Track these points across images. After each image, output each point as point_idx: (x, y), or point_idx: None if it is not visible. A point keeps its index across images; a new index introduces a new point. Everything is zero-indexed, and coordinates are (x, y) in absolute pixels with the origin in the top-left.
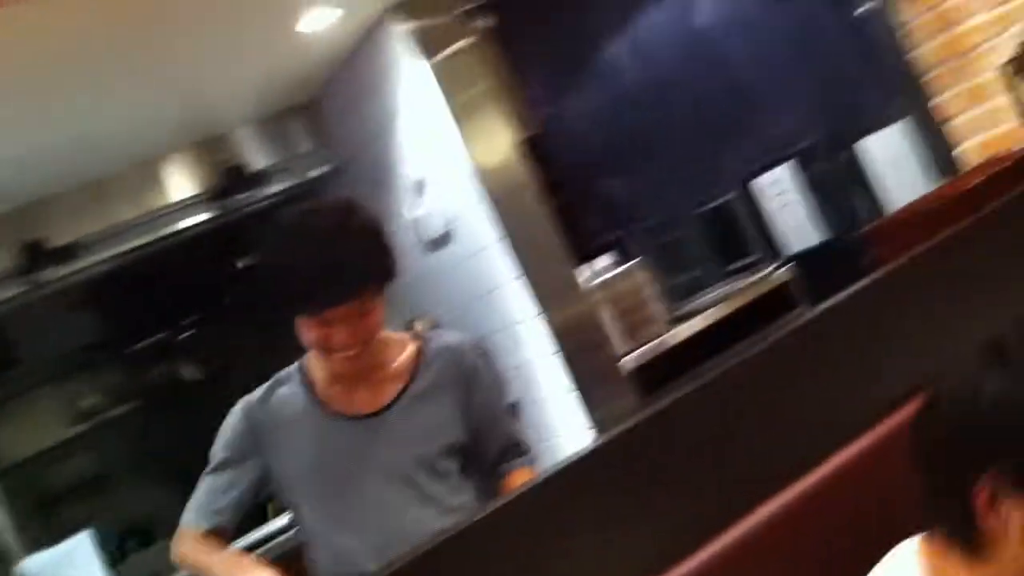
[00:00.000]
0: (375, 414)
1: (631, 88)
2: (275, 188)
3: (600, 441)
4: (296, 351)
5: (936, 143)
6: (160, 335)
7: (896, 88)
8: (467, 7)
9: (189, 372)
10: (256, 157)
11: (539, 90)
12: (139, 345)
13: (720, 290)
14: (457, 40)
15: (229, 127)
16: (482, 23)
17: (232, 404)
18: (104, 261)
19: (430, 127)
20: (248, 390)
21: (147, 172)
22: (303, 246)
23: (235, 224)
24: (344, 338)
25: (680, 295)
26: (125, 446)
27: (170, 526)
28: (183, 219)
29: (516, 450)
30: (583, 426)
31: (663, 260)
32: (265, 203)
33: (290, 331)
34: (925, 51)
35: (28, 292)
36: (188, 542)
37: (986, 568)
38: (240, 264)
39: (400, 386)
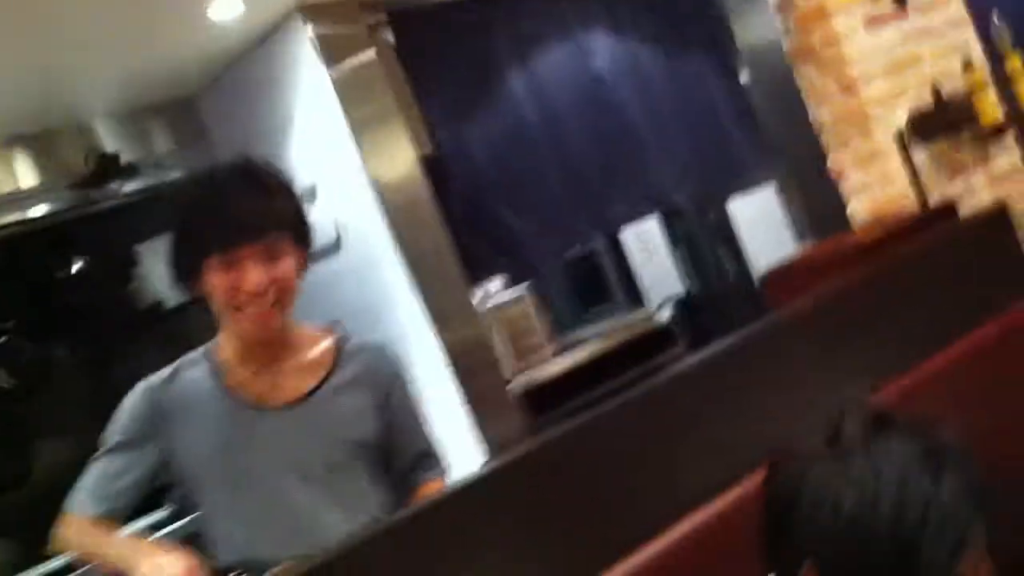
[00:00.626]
0: (287, 406)
1: (528, 120)
2: (140, 184)
3: (492, 465)
4: (116, 371)
5: (808, 205)
6: None
7: (768, 152)
8: (373, 21)
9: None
10: (122, 150)
11: (437, 112)
12: None
13: (597, 324)
14: (360, 51)
15: (93, 115)
16: (386, 38)
17: (42, 418)
18: None
19: (326, 134)
20: (62, 405)
21: (4, 151)
22: (212, 189)
23: (87, 220)
24: (255, 278)
25: (559, 328)
26: None
27: None
28: (37, 206)
29: (429, 461)
30: (472, 444)
31: (541, 293)
32: (125, 199)
33: (110, 349)
34: (821, 113)
35: None
36: (74, 527)
37: None
38: (73, 269)
39: (314, 380)
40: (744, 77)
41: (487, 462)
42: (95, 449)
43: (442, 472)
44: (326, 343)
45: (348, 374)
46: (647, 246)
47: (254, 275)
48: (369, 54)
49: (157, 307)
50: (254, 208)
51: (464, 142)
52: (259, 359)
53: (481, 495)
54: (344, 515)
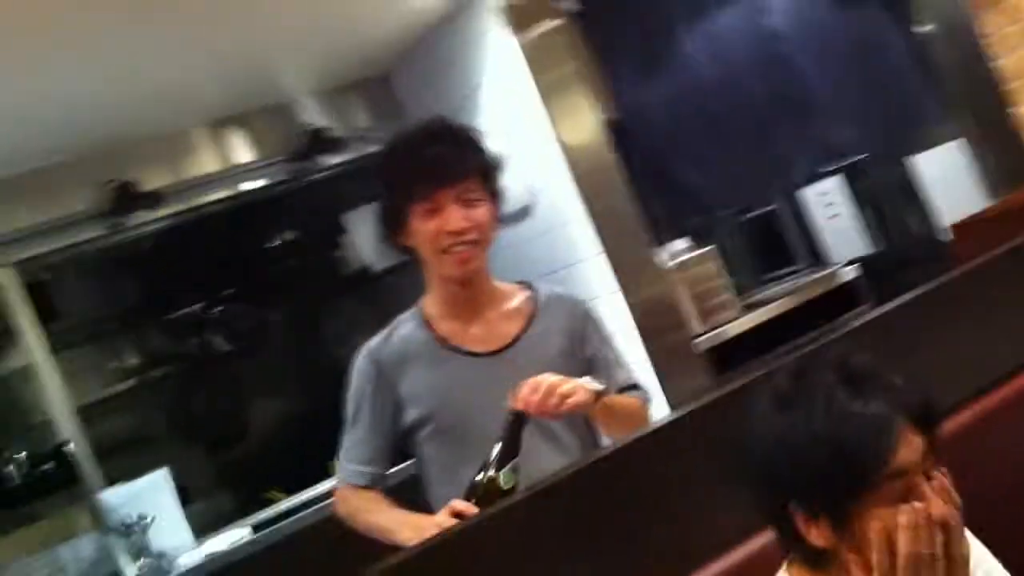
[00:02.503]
0: (495, 352)
1: (705, 81)
2: (348, 156)
3: (676, 414)
4: (326, 334)
5: (996, 160)
6: (197, 306)
7: (952, 105)
8: None
9: (220, 344)
10: (327, 125)
11: (619, 76)
12: (177, 313)
13: (781, 286)
14: (545, 19)
15: (303, 93)
16: (569, 6)
17: (257, 378)
18: (187, 211)
19: (514, 102)
20: (273, 366)
21: (217, 131)
22: (410, 144)
23: (301, 191)
24: (457, 221)
25: (744, 287)
26: (160, 409)
27: (202, 488)
28: (258, 178)
29: (632, 389)
30: (659, 401)
31: (727, 252)
32: (331, 171)
33: (320, 313)
34: (1006, 62)
35: (111, 235)
36: (351, 501)
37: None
38: (285, 239)
39: (516, 328)
40: (924, 28)
41: (671, 413)
42: (307, 407)
43: (646, 397)
44: (523, 295)
45: (546, 321)
46: (830, 205)
47: (455, 217)
48: (553, 22)
49: (363, 272)
50: (449, 155)
51: (645, 105)
52: (464, 309)
53: (666, 440)
54: (558, 451)
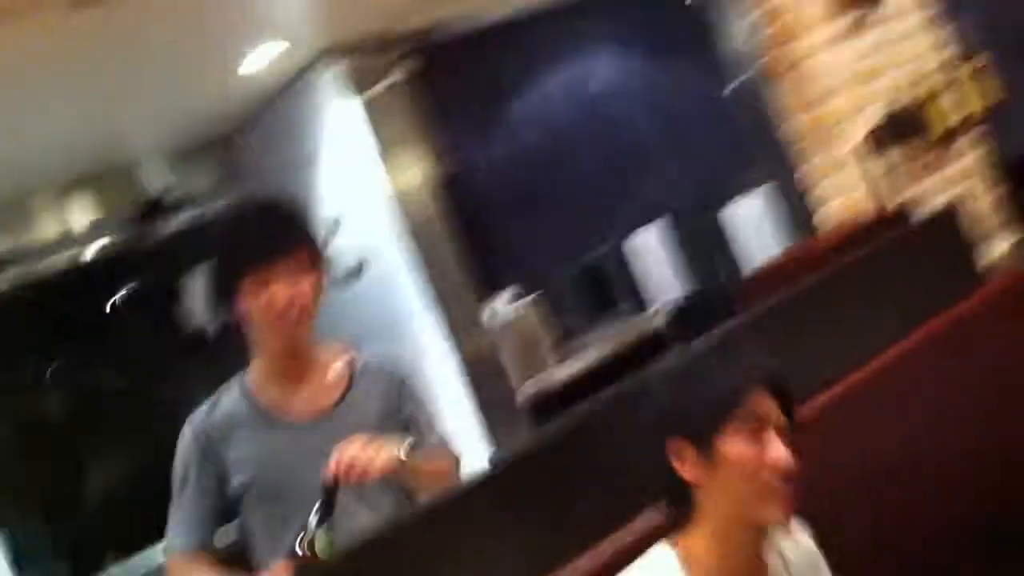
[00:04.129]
0: (312, 421)
1: (533, 140)
2: (185, 219)
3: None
4: (163, 395)
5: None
6: (33, 366)
7: (759, 157)
8: (394, 53)
9: (56, 407)
10: (168, 187)
11: (452, 135)
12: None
13: (603, 331)
14: (382, 82)
15: (141, 158)
16: (407, 69)
17: (91, 444)
18: (11, 281)
19: (351, 163)
20: (110, 428)
21: (59, 194)
22: (239, 221)
23: (136, 254)
24: (284, 295)
25: (565, 336)
26: None
27: (40, 556)
28: (97, 241)
29: (443, 449)
30: (483, 449)
31: (550, 302)
32: (175, 231)
33: (157, 374)
34: (793, 124)
35: None
36: (181, 568)
37: (705, 521)
38: (117, 303)
39: (335, 394)
40: (729, 87)
41: (491, 460)
42: (143, 471)
43: (456, 456)
44: (343, 361)
45: (364, 386)
46: (649, 253)
47: (283, 292)
48: (392, 81)
49: (199, 335)
50: (274, 233)
51: (476, 163)
52: (287, 377)
53: (487, 492)
54: (371, 514)
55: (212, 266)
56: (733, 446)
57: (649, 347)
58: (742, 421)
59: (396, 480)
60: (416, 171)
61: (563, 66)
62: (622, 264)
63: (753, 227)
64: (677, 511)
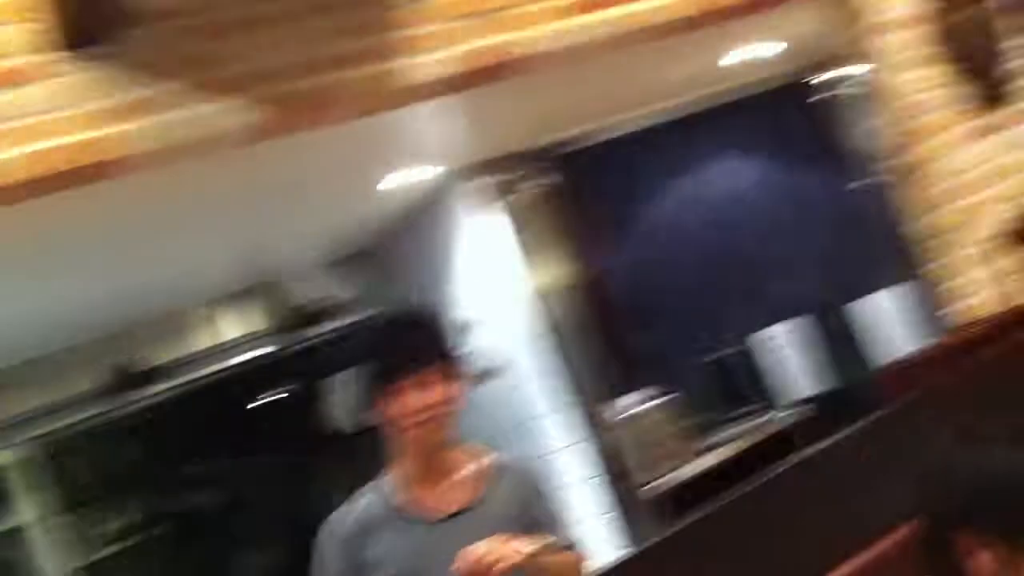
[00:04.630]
0: (450, 518)
1: (666, 243)
2: (332, 326)
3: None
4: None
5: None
6: (189, 466)
7: (889, 256)
8: (533, 163)
9: (210, 502)
10: (318, 297)
11: (588, 240)
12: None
13: (733, 429)
14: (521, 189)
15: (293, 271)
16: (544, 176)
17: (245, 535)
18: (180, 385)
19: (489, 268)
20: (263, 521)
21: (218, 308)
22: (384, 331)
23: (277, 362)
24: (421, 403)
25: (696, 433)
26: (160, 564)
27: None
28: (247, 351)
29: (569, 548)
30: (616, 548)
31: (681, 401)
32: (321, 339)
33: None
34: (921, 223)
35: (107, 414)
36: None
37: None
38: (266, 404)
39: (471, 495)
40: (857, 184)
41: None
42: (293, 557)
43: (581, 555)
44: (479, 462)
45: (499, 487)
46: (781, 349)
47: (420, 398)
48: (527, 194)
49: (342, 433)
50: (413, 345)
51: (610, 265)
52: (426, 477)
53: None
54: None
55: (356, 375)
56: None
57: (778, 446)
58: None
59: None
60: (553, 275)
61: (693, 171)
62: (754, 362)
63: (885, 324)
64: None
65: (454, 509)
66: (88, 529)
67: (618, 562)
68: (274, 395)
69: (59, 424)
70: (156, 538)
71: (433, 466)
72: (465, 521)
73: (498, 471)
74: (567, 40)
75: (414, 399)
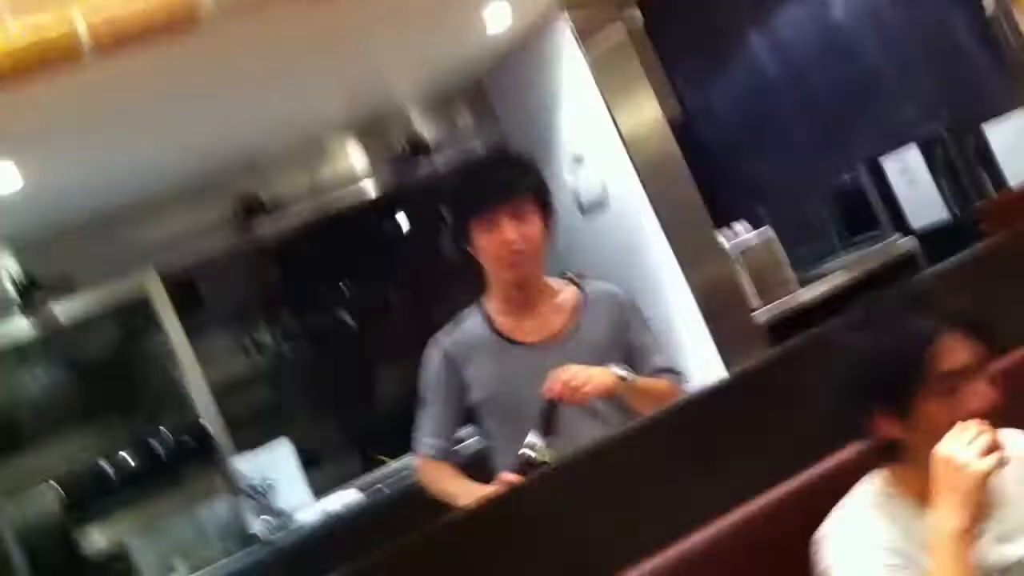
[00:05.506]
0: (546, 342)
1: (769, 76)
2: (444, 158)
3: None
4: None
5: None
6: (332, 286)
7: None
8: (621, 2)
9: (347, 320)
10: (427, 131)
11: (684, 77)
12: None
13: (846, 258)
14: (610, 31)
15: (404, 104)
16: (634, 16)
17: (381, 350)
18: (302, 215)
19: (587, 107)
20: (393, 340)
21: (335, 143)
22: (470, 171)
23: (406, 189)
24: (509, 234)
25: (810, 261)
26: (294, 380)
27: (332, 450)
28: (366, 182)
29: (667, 375)
30: (721, 374)
31: (795, 229)
32: (434, 171)
33: (430, 292)
34: None
35: (235, 243)
36: (427, 471)
37: (911, 462)
38: (399, 228)
39: (564, 321)
40: (989, 5)
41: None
42: (415, 379)
43: (679, 379)
44: (571, 291)
45: (591, 314)
46: (909, 174)
47: (508, 231)
48: (618, 33)
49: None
50: (502, 179)
51: (710, 102)
52: (519, 306)
53: (703, 410)
54: (602, 428)
55: (449, 209)
56: (932, 410)
57: (894, 273)
58: (939, 382)
59: (616, 400)
60: (647, 113)
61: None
62: (877, 186)
63: (1014, 149)
64: (881, 454)
65: (549, 336)
66: (228, 347)
67: (720, 384)
68: (401, 221)
69: (197, 251)
70: (292, 355)
71: (526, 295)
72: (559, 347)
73: (591, 299)
74: None
75: (504, 230)
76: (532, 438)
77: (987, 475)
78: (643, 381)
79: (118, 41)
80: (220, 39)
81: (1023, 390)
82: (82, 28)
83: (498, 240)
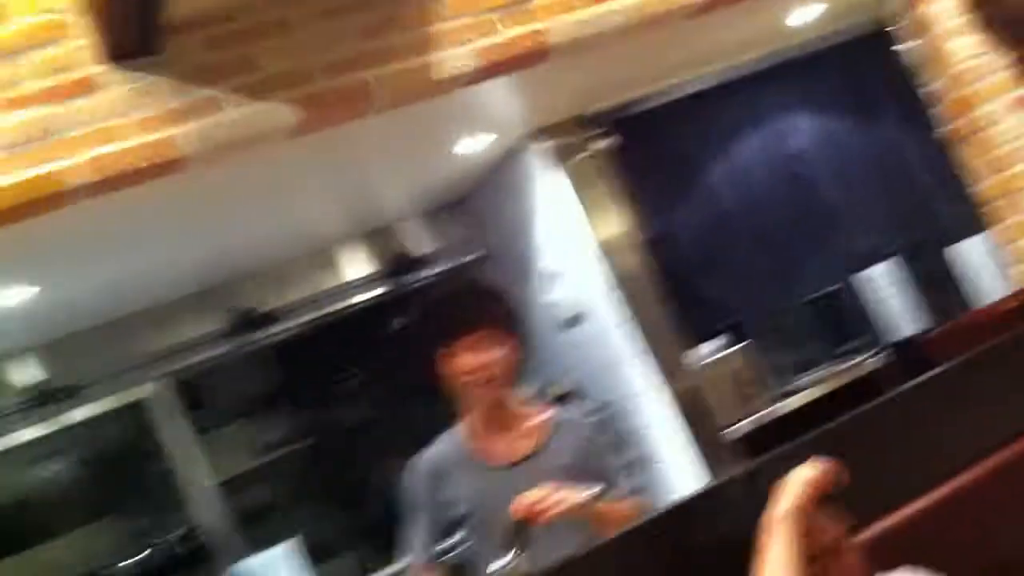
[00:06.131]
0: (515, 464)
1: (727, 204)
2: (434, 270)
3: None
4: (426, 415)
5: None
6: (329, 387)
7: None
8: (595, 131)
9: (350, 419)
10: (417, 244)
11: (651, 201)
12: (311, 395)
13: (816, 374)
14: (583, 157)
15: (396, 220)
16: (607, 142)
17: (381, 448)
18: (298, 326)
19: (563, 225)
20: (395, 436)
21: (329, 255)
22: (440, 302)
23: (399, 299)
24: (481, 359)
25: (793, 371)
26: (298, 477)
27: (337, 547)
28: (360, 294)
29: (628, 496)
30: (698, 480)
31: (777, 338)
32: (425, 282)
33: (426, 395)
34: (983, 186)
35: (234, 351)
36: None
37: None
38: (390, 331)
39: (533, 445)
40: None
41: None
42: None
43: (640, 503)
44: (542, 416)
45: (558, 440)
46: (874, 291)
47: (481, 357)
48: (592, 156)
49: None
50: (468, 313)
51: (675, 226)
52: (491, 428)
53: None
54: (565, 542)
55: (422, 335)
56: None
57: (860, 390)
58: None
59: (583, 523)
60: (619, 232)
61: (761, 128)
62: (834, 307)
63: (980, 269)
64: None
65: (517, 457)
66: (225, 450)
67: (682, 500)
68: (395, 324)
69: (194, 360)
70: (285, 457)
71: (497, 418)
72: (527, 468)
73: (560, 424)
74: (601, 24)
75: (464, 359)
76: (500, 558)
77: None
78: (611, 506)
79: (107, 184)
80: (206, 175)
81: None
82: (68, 176)
83: (458, 368)
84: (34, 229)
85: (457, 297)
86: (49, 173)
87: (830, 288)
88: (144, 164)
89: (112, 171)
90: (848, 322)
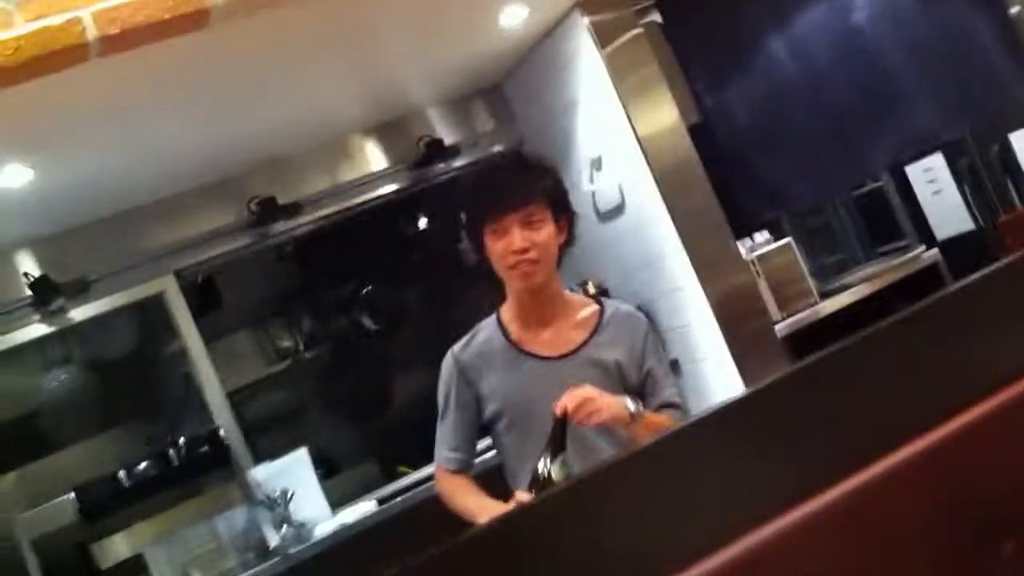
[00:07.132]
0: (561, 357)
1: (787, 80)
2: (463, 161)
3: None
4: (455, 314)
5: None
6: (347, 290)
7: None
8: (640, 5)
9: (368, 324)
10: (446, 133)
11: (702, 81)
12: (328, 297)
13: (868, 269)
14: (629, 33)
15: (423, 106)
16: (652, 18)
17: (401, 353)
18: (322, 218)
19: (605, 110)
20: (414, 342)
21: (354, 143)
22: (483, 175)
23: (425, 192)
24: (519, 241)
25: (831, 272)
26: (314, 385)
27: (352, 458)
28: (385, 185)
29: (671, 408)
30: (738, 387)
31: (818, 239)
32: (453, 174)
33: (448, 296)
34: None
35: (255, 244)
36: (445, 484)
37: None
38: (418, 228)
39: (581, 336)
40: (1015, 8)
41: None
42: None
43: (683, 416)
44: (591, 307)
45: (609, 333)
46: (934, 183)
47: (517, 238)
48: (636, 35)
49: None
50: (514, 184)
51: (728, 106)
52: (535, 317)
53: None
54: (609, 443)
55: (461, 217)
56: None
57: (918, 284)
58: None
59: (621, 431)
60: (665, 117)
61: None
62: (901, 195)
63: None
64: None
65: (563, 351)
66: (245, 352)
67: (738, 399)
68: (418, 224)
69: (214, 252)
70: (309, 360)
71: (540, 306)
72: (572, 361)
73: (611, 317)
74: None
75: (509, 239)
76: (545, 456)
77: None
78: (650, 418)
79: (124, 38)
80: (230, 37)
81: None
82: (89, 25)
83: (508, 247)
84: (38, 94)
85: (503, 169)
86: (62, 24)
87: (878, 183)
88: (166, 16)
89: (130, 24)
90: (893, 220)
